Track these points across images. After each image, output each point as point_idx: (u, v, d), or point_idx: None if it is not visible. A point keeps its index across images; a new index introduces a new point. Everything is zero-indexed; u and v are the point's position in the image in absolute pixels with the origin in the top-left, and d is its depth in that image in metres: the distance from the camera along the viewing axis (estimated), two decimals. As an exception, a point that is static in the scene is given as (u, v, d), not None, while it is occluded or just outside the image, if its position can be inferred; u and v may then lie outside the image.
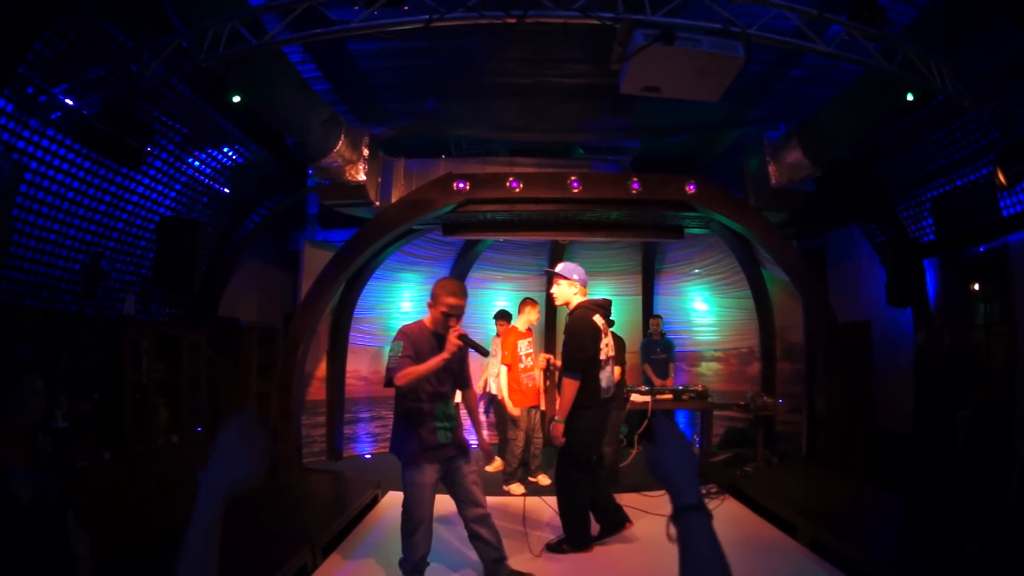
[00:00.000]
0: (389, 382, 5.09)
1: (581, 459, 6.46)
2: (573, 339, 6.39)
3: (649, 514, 7.46)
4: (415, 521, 5.28)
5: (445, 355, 5.03)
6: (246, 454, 1.82)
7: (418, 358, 5.09)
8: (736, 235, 10.26)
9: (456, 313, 5.20)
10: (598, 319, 6.48)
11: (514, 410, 8.90)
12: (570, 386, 6.28)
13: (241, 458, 1.82)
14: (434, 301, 5.26)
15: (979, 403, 8.03)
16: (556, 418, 6.35)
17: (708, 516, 1.67)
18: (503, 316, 9.96)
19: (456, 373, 5.47)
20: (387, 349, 10.11)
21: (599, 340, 6.44)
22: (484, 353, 5.60)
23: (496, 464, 9.62)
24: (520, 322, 9.22)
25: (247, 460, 1.82)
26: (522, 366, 8.99)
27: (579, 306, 6.59)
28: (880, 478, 8.88)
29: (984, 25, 5.83)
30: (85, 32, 5.84)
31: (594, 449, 6.72)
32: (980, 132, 7.48)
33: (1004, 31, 6.08)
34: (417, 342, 5.21)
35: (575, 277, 6.62)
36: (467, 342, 5.16)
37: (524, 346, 9.06)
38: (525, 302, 9.32)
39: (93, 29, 5.89)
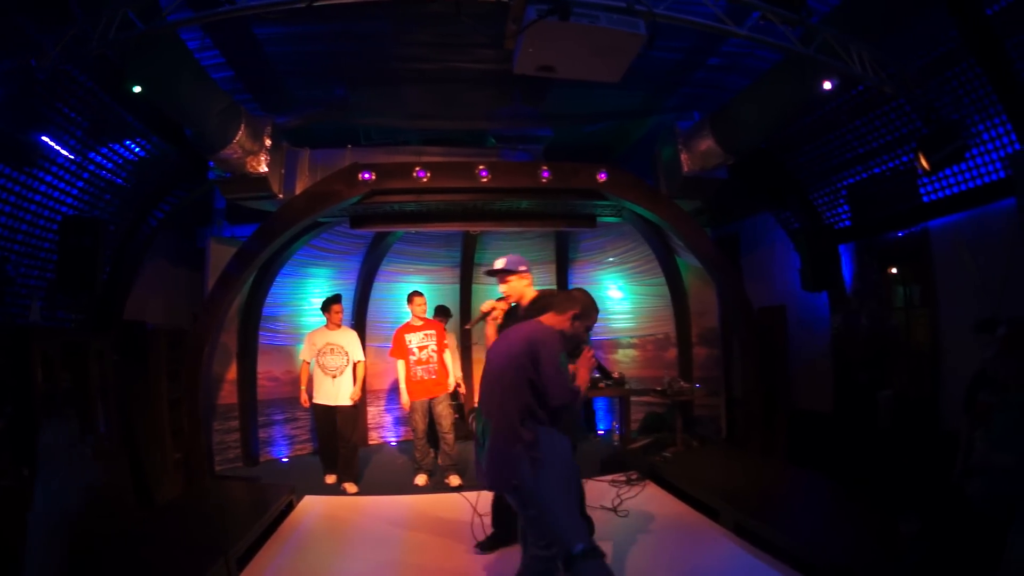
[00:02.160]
0: (572, 399, 4.32)
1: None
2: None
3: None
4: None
5: (586, 376, 4.57)
6: (70, 477, 1.47)
7: None
8: (649, 223, 10.03)
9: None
10: None
11: (405, 404, 8.80)
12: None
13: (66, 483, 1.46)
14: (584, 313, 4.59)
15: (902, 383, 8.01)
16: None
17: (602, 556, 1.37)
18: (442, 312, 10.10)
19: None
20: (299, 348, 9.84)
21: None
22: (609, 376, 5.25)
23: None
24: (412, 318, 9.04)
25: (72, 484, 1.46)
26: (414, 359, 8.77)
27: (545, 293, 6.01)
28: (802, 458, 8.77)
29: (911, 14, 5.69)
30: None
31: None
32: (900, 121, 7.38)
33: (932, 20, 5.95)
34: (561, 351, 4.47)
35: (523, 269, 5.92)
36: (598, 363, 4.66)
37: (417, 339, 8.86)
38: (412, 295, 9.12)
39: (8, 24, 5.34)
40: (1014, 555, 3.83)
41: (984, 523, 4.35)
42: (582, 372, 4.57)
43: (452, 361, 9.25)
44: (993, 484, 4.44)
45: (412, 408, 8.79)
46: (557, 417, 4.32)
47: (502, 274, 5.84)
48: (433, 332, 9.00)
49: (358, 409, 9.38)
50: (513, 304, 5.98)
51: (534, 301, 5.83)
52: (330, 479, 8.88)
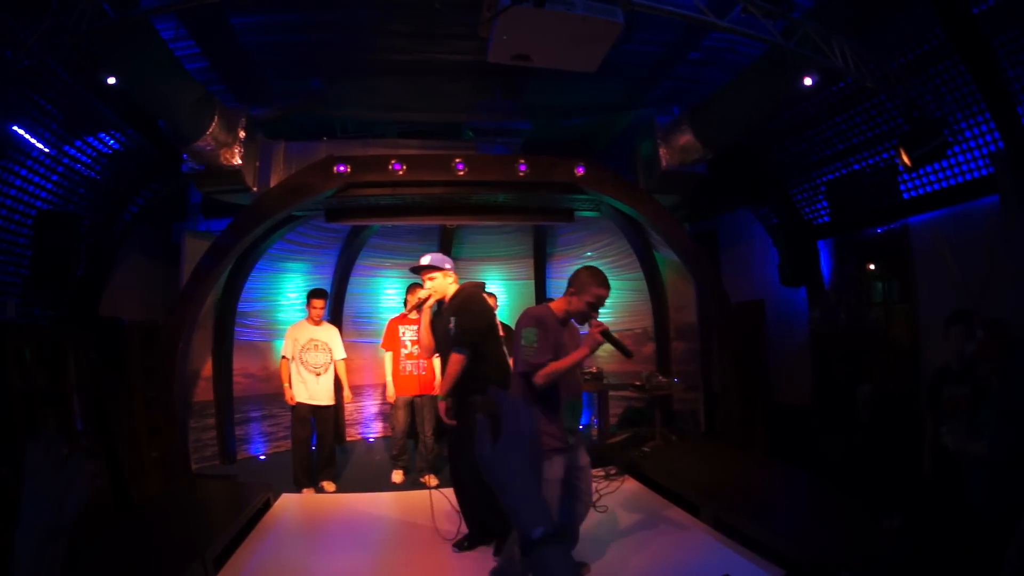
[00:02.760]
0: (527, 376, 4.65)
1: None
2: (469, 312, 5.81)
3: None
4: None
5: (586, 351, 4.65)
6: (60, 489, 1.37)
7: (554, 350, 4.68)
8: (627, 218, 9.96)
9: (600, 305, 4.79)
10: (487, 296, 6.11)
11: (390, 396, 8.55)
12: (456, 362, 5.67)
13: (54, 495, 1.36)
14: (579, 289, 4.76)
15: (882, 378, 8.03)
16: (439, 396, 5.89)
17: (565, 542, 1.24)
18: None
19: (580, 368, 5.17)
20: (278, 345, 9.68)
21: (494, 316, 5.99)
22: (628, 354, 5.08)
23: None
24: (407, 308, 8.56)
25: (62, 497, 1.37)
26: (405, 352, 8.56)
27: (464, 286, 6.13)
28: (782, 452, 8.77)
29: (894, 10, 5.66)
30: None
31: None
32: (881, 117, 7.38)
33: (916, 17, 5.96)
34: (550, 331, 4.75)
35: (448, 267, 6.07)
36: (610, 338, 4.63)
37: (411, 332, 8.59)
38: (412, 288, 8.75)
39: None
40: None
41: (979, 519, 4.35)
42: (581, 349, 4.68)
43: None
44: (991, 480, 4.45)
45: (396, 403, 8.56)
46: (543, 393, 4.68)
47: (428, 270, 6.02)
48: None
49: (337, 408, 9.21)
50: (437, 302, 6.16)
51: (454, 296, 6.01)
52: (308, 493, 8.28)
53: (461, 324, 5.73)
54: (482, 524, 6.11)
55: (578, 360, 4.70)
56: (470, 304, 5.89)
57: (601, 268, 11.23)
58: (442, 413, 5.91)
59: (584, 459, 5.05)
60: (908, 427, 7.21)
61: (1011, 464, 4.24)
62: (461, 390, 5.78)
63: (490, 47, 5.40)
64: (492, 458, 1.33)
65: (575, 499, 5.02)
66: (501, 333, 6.22)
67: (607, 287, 4.82)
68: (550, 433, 4.75)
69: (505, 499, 1.28)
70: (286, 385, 8.34)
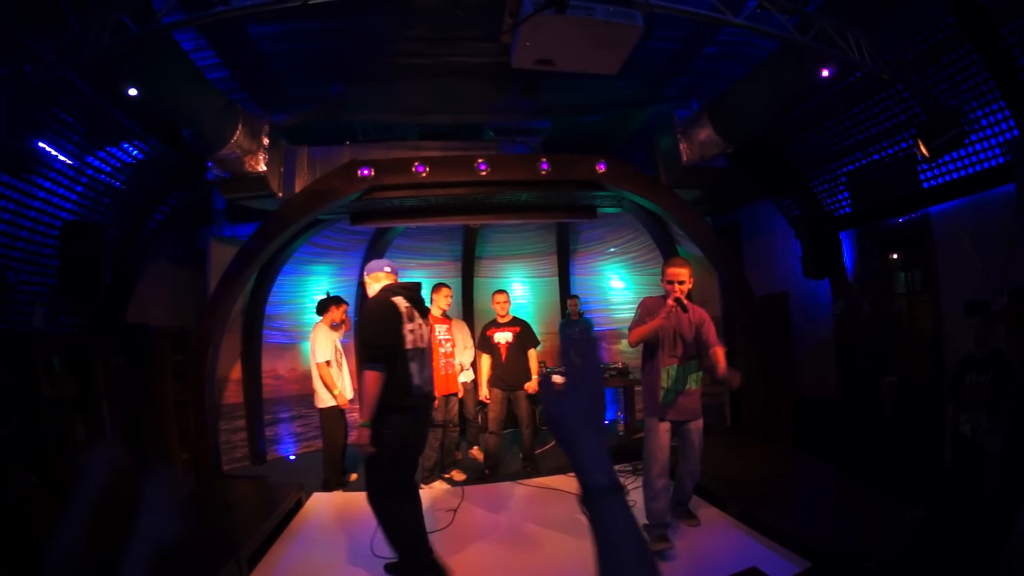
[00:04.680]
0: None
1: (390, 477, 5.41)
2: (368, 324, 5.45)
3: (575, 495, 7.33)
4: (655, 470, 5.89)
5: (660, 319, 5.63)
6: (168, 514, 1.67)
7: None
8: (649, 213, 9.99)
9: (674, 280, 5.79)
10: (400, 300, 5.52)
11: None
12: (371, 379, 5.14)
13: (165, 518, 1.66)
14: (662, 279, 5.94)
15: (906, 369, 8.03)
16: (361, 422, 5.16)
17: (623, 494, 1.37)
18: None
19: (687, 340, 5.99)
20: (305, 347, 9.80)
21: (401, 325, 5.41)
22: (685, 309, 5.79)
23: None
24: (433, 308, 8.42)
25: (170, 520, 1.65)
26: (442, 351, 8.49)
27: (379, 291, 5.72)
28: (808, 445, 8.75)
29: (907, 0, 5.71)
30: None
31: (410, 467, 5.72)
32: (899, 107, 7.37)
33: (928, 6, 6.00)
34: (652, 311, 5.84)
35: (382, 270, 5.97)
36: (679, 303, 5.67)
37: (442, 332, 8.54)
38: (436, 287, 8.76)
39: (1, 31, 5.32)
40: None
41: (992, 512, 4.36)
42: (658, 318, 5.68)
43: (534, 359, 9.19)
44: (1004, 475, 4.46)
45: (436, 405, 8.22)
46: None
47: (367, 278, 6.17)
48: (449, 327, 8.82)
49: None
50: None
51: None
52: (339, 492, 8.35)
53: (363, 335, 5.58)
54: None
55: (654, 325, 5.69)
56: (372, 312, 5.56)
57: (625, 263, 11.30)
58: (364, 440, 5.16)
59: (693, 423, 6.12)
60: (932, 418, 7.22)
61: (1019, 457, 4.26)
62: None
63: (513, 53, 5.48)
64: (557, 417, 1.50)
65: (683, 456, 6.12)
66: (425, 341, 5.79)
67: (675, 264, 5.91)
68: (650, 396, 6.03)
69: (571, 453, 1.45)
70: (336, 392, 8.27)
